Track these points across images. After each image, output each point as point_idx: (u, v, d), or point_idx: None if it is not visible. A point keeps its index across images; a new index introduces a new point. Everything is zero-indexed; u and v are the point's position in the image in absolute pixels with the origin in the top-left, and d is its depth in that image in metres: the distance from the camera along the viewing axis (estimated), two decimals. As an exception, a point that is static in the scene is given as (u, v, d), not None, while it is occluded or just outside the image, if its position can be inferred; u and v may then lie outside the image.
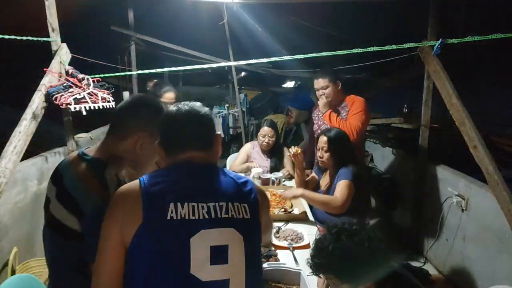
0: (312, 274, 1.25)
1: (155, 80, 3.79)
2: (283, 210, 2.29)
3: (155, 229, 0.89)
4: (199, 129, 1.05)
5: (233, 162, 3.20)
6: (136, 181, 0.96)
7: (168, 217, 0.89)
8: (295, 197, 2.24)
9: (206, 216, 0.91)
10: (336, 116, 2.61)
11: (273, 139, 3.03)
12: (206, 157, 1.04)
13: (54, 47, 2.43)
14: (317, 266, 1.20)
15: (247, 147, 3.23)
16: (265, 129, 3.03)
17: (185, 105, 1.06)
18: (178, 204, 0.91)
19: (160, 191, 0.93)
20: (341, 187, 2.14)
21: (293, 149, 2.40)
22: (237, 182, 1.02)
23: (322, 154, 2.30)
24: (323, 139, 2.31)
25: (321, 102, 2.67)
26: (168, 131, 1.04)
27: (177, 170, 1.01)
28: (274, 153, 3.09)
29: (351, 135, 2.47)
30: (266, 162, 3.06)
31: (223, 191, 0.98)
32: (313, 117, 2.95)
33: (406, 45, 2.51)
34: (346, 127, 2.52)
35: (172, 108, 1.06)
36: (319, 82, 2.67)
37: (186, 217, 0.90)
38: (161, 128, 1.06)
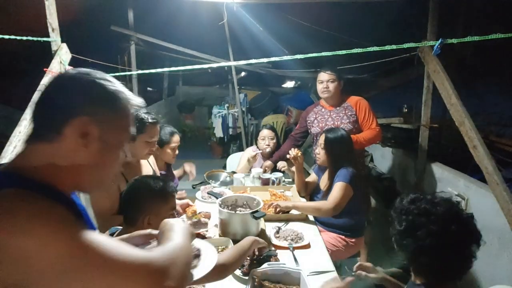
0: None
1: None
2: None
3: None
4: (42, 101, 0.68)
5: (236, 168, 3.17)
6: None
7: None
8: (287, 208, 2.12)
9: None
10: (358, 137, 2.55)
11: (274, 141, 3.00)
12: (39, 156, 0.64)
13: (54, 47, 2.43)
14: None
15: (248, 152, 3.20)
16: (264, 132, 3.01)
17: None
18: None
19: None
20: (336, 189, 2.14)
21: (293, 152, 2.39)
22: None
23: (319, 151, 2.33)
24: (322, 137, 2.34)
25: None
26: None
27: None
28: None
29: (380, 137, 2.69)
30: (267, 164, 3.04)
31: None
32: (311, 119, 2.81)
33: (406, 45, 2.51)
34: (373, 133, 2.61)
35: None
36: (326, 75, 2.65)
37: None
38: None
